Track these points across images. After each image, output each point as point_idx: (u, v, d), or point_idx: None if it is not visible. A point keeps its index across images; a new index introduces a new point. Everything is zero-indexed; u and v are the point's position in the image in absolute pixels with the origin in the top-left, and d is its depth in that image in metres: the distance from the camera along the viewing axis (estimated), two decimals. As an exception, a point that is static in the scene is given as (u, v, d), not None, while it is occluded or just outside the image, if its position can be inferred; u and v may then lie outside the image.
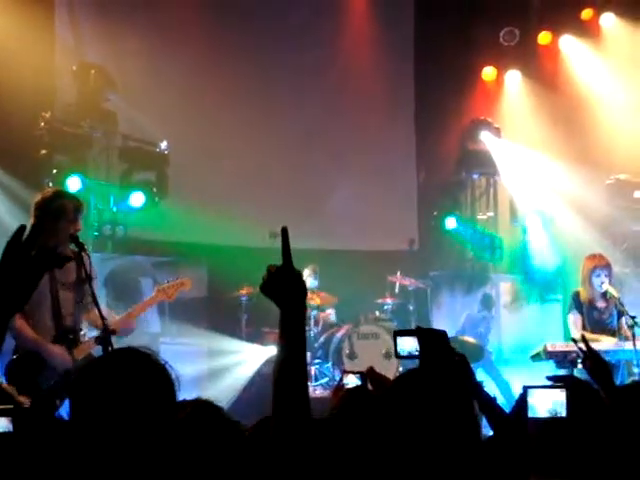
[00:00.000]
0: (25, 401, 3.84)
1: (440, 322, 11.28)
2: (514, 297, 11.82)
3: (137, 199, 9.68)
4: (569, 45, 12.15)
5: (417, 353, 2.91)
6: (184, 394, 2.47)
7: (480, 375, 9.36)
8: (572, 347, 7.09)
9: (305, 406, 2.36)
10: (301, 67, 11.62)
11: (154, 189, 9.87)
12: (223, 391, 8.92)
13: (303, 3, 11.80)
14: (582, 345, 3.82)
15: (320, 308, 10.16)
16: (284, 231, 2.45)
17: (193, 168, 10.53)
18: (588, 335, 7.02)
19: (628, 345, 6.86)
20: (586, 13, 11.95)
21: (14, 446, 2.60)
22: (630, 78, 11.57)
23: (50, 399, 4.88)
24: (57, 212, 5.37)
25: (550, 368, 6.91)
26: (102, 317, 5.12)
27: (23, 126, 9.11)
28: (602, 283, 7.25)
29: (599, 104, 11.73)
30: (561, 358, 6.88)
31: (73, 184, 8.87)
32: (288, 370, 2.37)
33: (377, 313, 10.31)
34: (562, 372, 6.73)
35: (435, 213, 11.61)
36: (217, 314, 10.29)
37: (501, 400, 8.56)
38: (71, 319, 5.49)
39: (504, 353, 11.24)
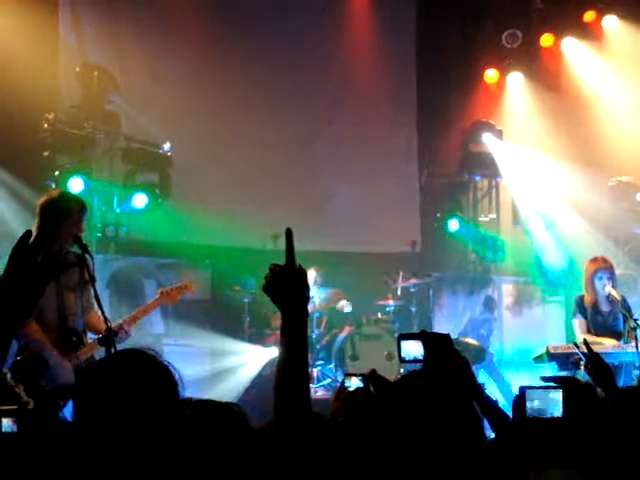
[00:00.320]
0: (30, 402, 3.86)
1: (442, 324, 11.29)
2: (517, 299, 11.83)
3: (140, 200, 9.68)
4: (572, 47, 12.15)
5: (421, 357, 2.91)
6: (187, 395, 2.49)
7: (482, 377, 9.37)
8: (574, 349, 7.12)
9: (306, 408, 2.36)
10: (303, 68, 11.62)
11: (157, 190, 9.88)
12: (226, 392, 8.93)
13: (305, 4, 11.80)
14: (584, 348, 3.83)
15: (327, 309, 10.18)
16: (289, 232, 2.47)
17: (196, 169, 10.53)
18: (590, 338, 7.03)
19: (630, 347, 6.87)
20: (589, 15, 11.94)
21: (18, 446, 2.61)
22: (633, 80, 11.57)
23: (54, 400, 4.89)
24: (61, 213, 5.39)
25: (552, 370, 6.93)
26: (105, 319, 5.14)
27: (27, 127, 9.11)
28: (604, 286, 7.26)
29: (601, 106, 11.73)
30: (563, 360, 6.89)
31: (75, 185, 8.88)
32: (290, 371, 2.37)
33: (379, 315, 10.32)
34: (564, 374, 6.74)
35: (438, 215, 11.62)
36: (220, 315, 10.29)
37: (502, 402, 8.57)
38: (76, 321, 5.51)
39: (506, 355, 11.25)
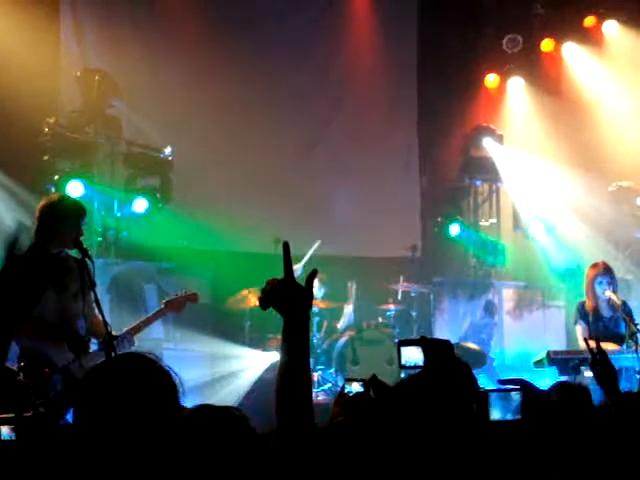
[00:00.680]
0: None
1: (443, 328, 11.29)
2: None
3: (141, 205, 9.69)
4: (572, 52, 12.16)
5: (421, 363, 2.91)
6: (187, 399, 2.49)
7: (482, 382, 9.36)
8: (575, 354, 7.12)
9: (308, 414, 2.36)
10: (303, 72, 11.62)
11: (158, 195, 9.88)
12: (226, 397, 8.92)
13: (305, 6, 11.81)
14: (593, 344, 3.80)
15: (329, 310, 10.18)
16: (285, 245, 2.47)
17: (197, 174, 10.53)
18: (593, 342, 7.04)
19: (631, 352, 6.87)
20: (589, 20, 11.96)
21: (17, 455, 2.61)
22: (633, 85, 11.58)
23: (56, 407, 4.88)
24: (60, 217, 5.39)
25: (553, 375, 6.93)
26: (105, 323, 5.14)
27: (27, 131, 9.12)
28: (605, 291, 7.26)
29: (602, 111, 11.74)
30: (563, 365, 6.90)
31: (74, 189, 8.88)
32: (291, 376, 2.37)
33: (380, 319, 10.31)
34: (564, 379, 6.74)
35: (439, 219, 11.62)
36: (220, 320, 10.28)
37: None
38: (78, 325, 5.50)
39: (506, 359, 11.24)
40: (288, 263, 2.47)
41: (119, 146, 9.99)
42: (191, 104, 10.64)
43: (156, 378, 2.45)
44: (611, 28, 11.89)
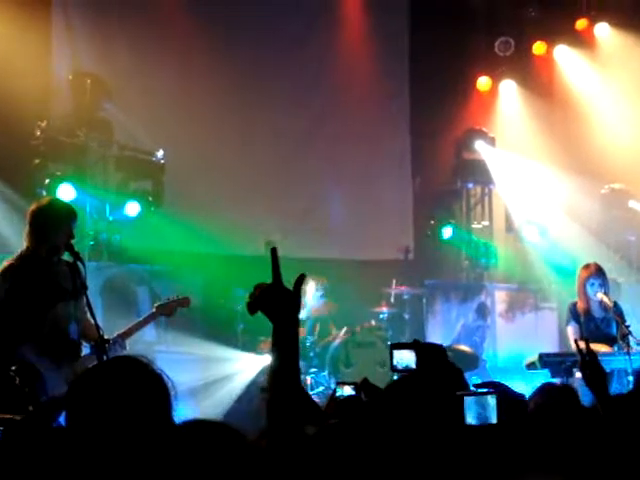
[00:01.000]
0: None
1: (435, 331, 11.30)
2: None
3: (133, 208, 9.68)
4: (564, 55, 12.20)
5: (413, 367, 2.91)
6: (180, 403, 2.48)
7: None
8: (567, 356, 7.14)
9: (299, 417, 2.36)
10: (296, 76, 11.63)
11: (150, 198, 9.87)
12: (219, 400, 8.91)
13: (297, 9, 11.80)
14: (583, 346, 3.80)
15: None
16: (273, 251, 2.49)
17: (189, 177, 10.52)
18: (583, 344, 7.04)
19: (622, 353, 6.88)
20: (581, 23, 12.00)
21: (2, 457, 2.60)
22: (625, 88, 11.62)
23: (48, 411, 4.86)
24: (51, 221, 5.38)
25: (545, 377, 6.93)
26: (97, 326, 5.13)
27: (19, 135, 9.10)
28: (596, 292, 7.27)
29: (594, 114, 11.78)
30: (556, 366, 6.91)
31: (65, 192, 8.86)
32: (280, 383, 2.37)
33: (373, 322, 10.30)
34: (557, 381, 6.75)
35: (432, 222, 11.63)
36: (213, 323, 10.27)
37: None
38: (70, 329, 5.48)
39: (499, 362, 11.25)
40: (276, 268, 2.47)
41: (111, 149, 9.97)
42: (183, 107, 10.63)
43: (148, 381, 2.44)
44: (603, 31, 11.94)
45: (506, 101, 12.40)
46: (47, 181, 9.00)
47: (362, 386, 3.35)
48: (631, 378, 6.74)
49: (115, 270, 9.69)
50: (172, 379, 2.47)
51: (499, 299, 11.87)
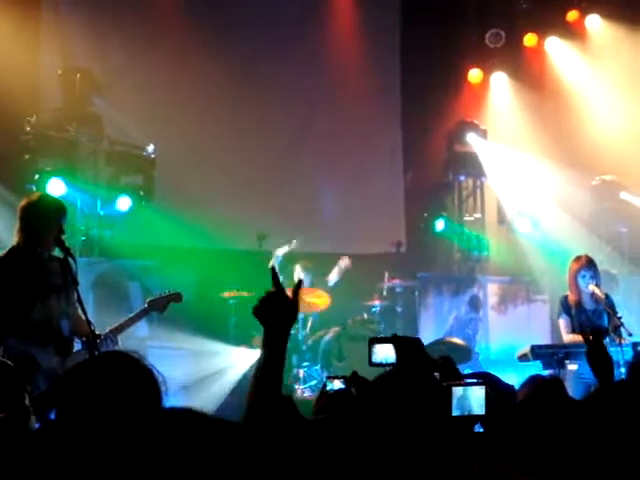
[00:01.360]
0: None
1: (428, 324, 11.31)
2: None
3: (124, 203, 9.66)
4: (555, 47, 12.20)
5: (392, 361, 2.92)
6: (172, 397, 2.47)
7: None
8: (559, 347, 7.16)
9: (275, 416, 2.41)
10: (287, 70, 11.61)
11: (141, 193, 9.86)
12: (211, 394, 8.90)
13: (287, 11, 11.78)
14: (588, 336, 3.82)
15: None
16: (272, 270, 2.62)
17: (180, 171, 10.51)
18: (576, 336, 7.07)
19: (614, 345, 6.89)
20: (572, 15, 12.00)
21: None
22: (616, 79, 11.63)
23: (39, 407, 4.84)
24: (41, 216, 5.36)
25: (537, 369, 6.94)
26: (88, 322, 5.12)
27: (8, 130, 9.08)
28: (588, 284, 7.27)
29: (585, 105, 11.79)
30: (548, 359, 6.92)
31: (54, 187, 8.84)
32: (262, 385, 2.42)
33: (365, 315, 10.30)
34: (549, 372, 6.77)
35: (425, 215, 11.64)
36: (205, 318, 10.26)
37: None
38: (62, 326, 5.47)
39: (492, 354, 11.27)
40: (276, 280, 2.57)
41: (101, 144, 9.94)
42: (174, 102, 10.61)
43: (138, 376, 2.44)
44: (594, 22, 11.95)
45: (497, 93, 12.40)
46: (37, 176, 8.98)
47: (352, 380, 3.36)
48: (623, 370, 6.76)
49: (106, 265, 9.66)
50: (163, 374, 2.46)
51: (491, 291, 11.88)
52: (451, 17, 12.06)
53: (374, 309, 10.28)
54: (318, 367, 9.79)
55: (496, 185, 12.08)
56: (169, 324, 9.25)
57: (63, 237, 5.34)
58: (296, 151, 11.67)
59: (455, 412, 2.72)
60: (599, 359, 3.68)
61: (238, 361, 9.55)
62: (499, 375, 3.56)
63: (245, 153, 11.08)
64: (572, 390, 6.05)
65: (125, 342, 5.84)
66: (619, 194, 11.24)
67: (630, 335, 6.93)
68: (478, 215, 12.35)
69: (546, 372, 6.79)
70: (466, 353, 9.62)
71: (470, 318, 10.74)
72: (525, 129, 11.86)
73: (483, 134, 12.00)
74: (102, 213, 9.76)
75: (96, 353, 5.11)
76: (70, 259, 5.27)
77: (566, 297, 7.46)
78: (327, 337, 9.86)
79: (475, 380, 2.91)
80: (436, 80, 11.88)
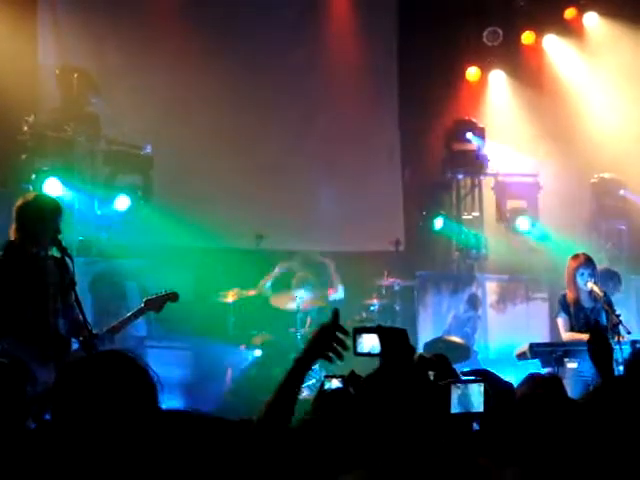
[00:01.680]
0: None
1: (426, 322, 11.30)
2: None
3: (122, 203, 9.66)
4: (553, 45, 12.19)
5: (376, 352, 2.92)
6: (170, 397, 2.47)
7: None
8: (557, 346, 7.15)
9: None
10: (285, 69, 11.60)
11: (139, 192, 9.86)
12: (209, 394, 8.89)
13: (285, 13, 11.77)
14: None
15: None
16: (335, 311, 2.97)
17: (178, 171, 10.51)
18: (574, 335, 7.07)
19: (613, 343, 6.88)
20: (569, 13, 11.99)
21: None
22: (614, 77, 11.63)
23: (34, 408, 4.83)
24: (37, 216, 5.35)
25: (536, 367, 6.93)
26: (86, 322, 5.10)
27: (6, 130, 9.07)
28: (586, 282, 7.26)
29: (583, 103, 11.78)
30: (546, 357, 6.92)
31: (51, 187, 8.83)
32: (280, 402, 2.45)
33: (364, 314, 10.29)
34: (547, 371, 6.76)
35: (424, 213, 11.63)
36: (204, 317, 10.25)
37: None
38: (59, 325, 5.46)
39: (491, 353, 11.26)
40: (336, 322, 2.98)
41: (99, 144, 9.95)
42: (172, 101, 10.61)
43: (133, 376, 2.43)
44: (591, 20, 11.94)
45: (495, 91, 12.38)
46: (34, 176, 8.97)
47: (350, 379, 3.34)
48: (622, 368, 6.75)
49: (104, 265, 9.65)
50: (159, 374, 2.45)
51: (490, 290, 11.87)
52: (449, 15, 12.04)
53: (373, 308, 10.27)
54: (317, 366, 9.77)
55: (494, 183, 12.06)
56: (168, 324, 9.25)
57: (60, 237, 5.34)
58: (295, 151, 11.65)
59: (454, 410, 2.71)
60: (600, 349, 3.68)
61: (237, 361, 9.55)
62: (498, 373, 3.55)
63: (244, 152, 11.07)
64: (571, 388, 6.04)
65: (124, 342, 5.84)
66: (618, 191, 11.24)
67: (629, 333, 6.93)
68: (476, 213, 12.34)
69: (545, 370, 6.79)
70: (465, 352, 9.62)
71: (469, 316, 10.73)
72: (523, 127, 11.86)
73: (481, 132, 11.98)
74: (100, 213, 9.75)
75: (93, 353, 5.09)
76: (67, 259, 5.27)
77: (564, 295, 7.45)
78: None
79: (474, 377, 2.90)
80: (434, 78, 11.87)
